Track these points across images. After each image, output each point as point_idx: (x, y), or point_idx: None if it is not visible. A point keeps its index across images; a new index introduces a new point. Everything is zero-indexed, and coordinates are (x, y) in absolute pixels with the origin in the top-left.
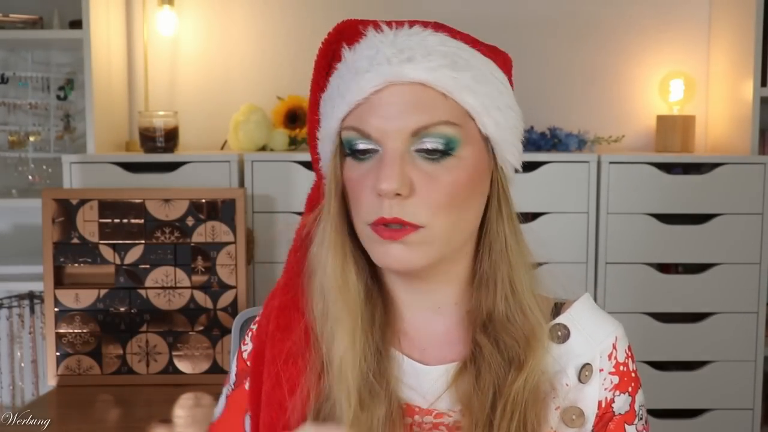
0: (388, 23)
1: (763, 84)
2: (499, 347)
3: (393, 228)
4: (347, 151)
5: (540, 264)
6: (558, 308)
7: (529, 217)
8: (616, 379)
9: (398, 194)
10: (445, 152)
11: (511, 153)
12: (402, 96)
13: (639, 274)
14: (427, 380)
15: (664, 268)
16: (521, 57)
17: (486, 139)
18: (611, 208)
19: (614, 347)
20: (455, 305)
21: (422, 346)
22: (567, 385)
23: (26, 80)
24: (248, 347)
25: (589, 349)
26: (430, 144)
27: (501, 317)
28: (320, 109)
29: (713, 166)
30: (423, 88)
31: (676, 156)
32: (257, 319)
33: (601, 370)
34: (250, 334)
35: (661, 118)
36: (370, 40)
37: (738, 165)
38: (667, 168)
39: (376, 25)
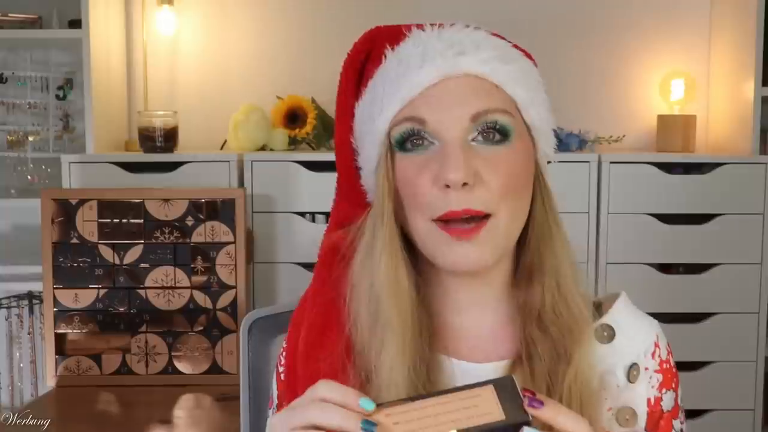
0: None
1: (764, 83)
2: (549, 342)
3: (464, 227)
4: (397, 147)
5: None
6: (597, 307)
7: None
8: (661, 377)
9: (465, 184)
10: (502, 139)
11: (548, 145)
12: (458, 87)
13: (639, 274)
14: (478, 379)
15: (665, 268)
16: None
17: (529, 132)
18: (611, 208)
19: (656, 345)
20: (500, 301)
21: (470, 345)
22: (618, 386)
23: (25, 80)
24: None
25: (634, 349)
26: (489, 128)
27: (548, 310)
28: (357, 117)
29: (714, 166)
30: (477, 79)
31: (677, 156)
32: (286, 337)
33: (646, 369)
34: (284, 353)
35: (661, 118)
36: (415, 38)
37: (739, 165)
38: (668, 168)
39: (417, 25)
